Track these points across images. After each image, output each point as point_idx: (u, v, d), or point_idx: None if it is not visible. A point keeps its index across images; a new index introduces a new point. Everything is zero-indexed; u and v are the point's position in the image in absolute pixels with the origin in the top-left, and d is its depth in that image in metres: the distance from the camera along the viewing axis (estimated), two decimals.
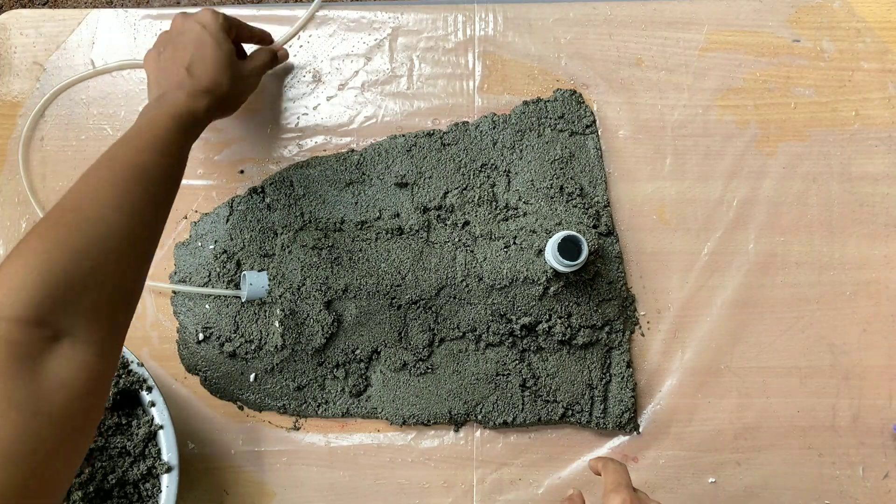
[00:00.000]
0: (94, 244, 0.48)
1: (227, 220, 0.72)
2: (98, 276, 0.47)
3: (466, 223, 0.70)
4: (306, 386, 0.70)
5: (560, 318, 0.67)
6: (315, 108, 0.75)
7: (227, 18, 0.66)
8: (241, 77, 0.66)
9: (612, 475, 0.55)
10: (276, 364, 0.69)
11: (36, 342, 0.42)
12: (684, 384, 0.70)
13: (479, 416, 0.69)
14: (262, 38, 0.72)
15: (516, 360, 0.68)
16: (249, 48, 0.72)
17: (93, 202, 0.50)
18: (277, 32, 0.76)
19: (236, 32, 0.68)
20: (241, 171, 0.74)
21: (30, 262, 0.45)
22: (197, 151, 0.75)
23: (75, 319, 0.44)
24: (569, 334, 0.67)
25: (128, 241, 0.50)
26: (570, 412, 0.68)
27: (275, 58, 0.72)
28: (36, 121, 0.75)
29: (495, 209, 0.71)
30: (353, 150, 0.74)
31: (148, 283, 0.72)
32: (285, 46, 0.74)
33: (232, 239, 0.71)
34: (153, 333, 0.72)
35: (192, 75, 0.62)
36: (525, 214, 0.70)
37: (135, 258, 0.52)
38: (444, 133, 0.73)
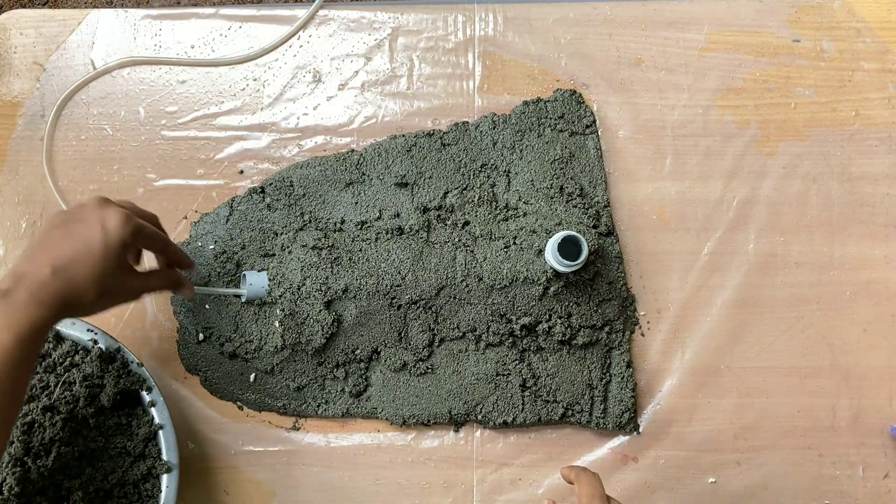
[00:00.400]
0: None
1: (227, 221, 0.72)
2: None
3: (466, 223, 0.70)
4: (306, 386, 0.70)
5: (560, 318, 0.67)
6: (315, 108, 0.75)
7: (138, 231, 0.57)
8: (115, 294, 0.57)
9: (586, 487, 0.55)
10: (276, 364, 0.69)
11: None
12: (684, 384, 0.70)
13: (479, 416, 0.69)
14: (179, 261, 0.64)
15: (516, 360, 0.68)
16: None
17: None
18: (278, 32, 0.76)
19: (146, 245, 0.60)
20: (241, 171, 0.74)
21: None
22: (197, 151, 0.75)
23: None
24: (569, 334, 0.67)
25: None
26: (570, 412, 0.68)
27: (174, 287, 0.63)
28: (55, 122, 0.75)
29: (495, 209, 0.71)
30: (353, 150, 0.74)
31: None
32: (189, 279, 0.66)
33: (232, 239, 0.71)
34: (153, 334, 0.72)
35: (56, 277, 0.52)
36: (525, 214, 0.70)
37: None
38: (444, 133, 0.73)
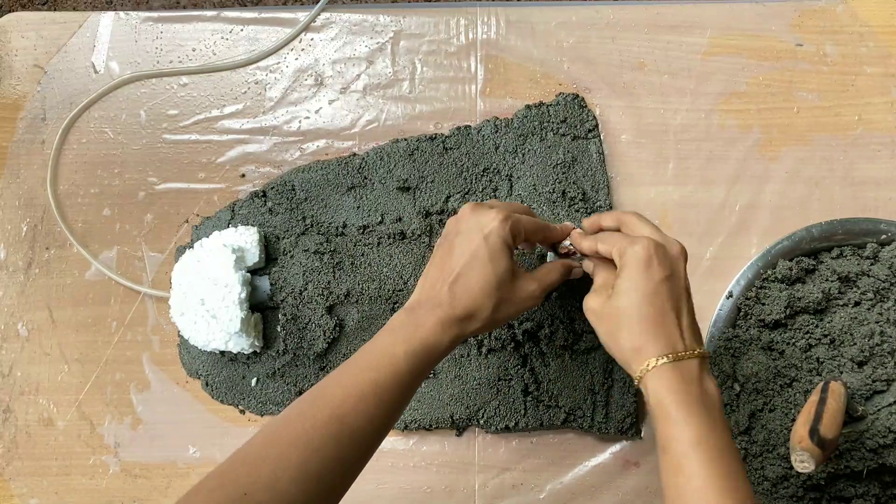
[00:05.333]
0: None
1: (229, 224, 0.72)
2: None
3: None
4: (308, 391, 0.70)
5: (562, 322, 0.67)
6: (317, 112, 0.75)
7: (515, 225, 0.55)
8: (510, 302, 0.54)
9: (618, 238, 0.53)
10: (278, 369, 0.69)
11: None
12: None
13: (481, 421, 0.68)
14: (557, 240, 0.60)
15: (518, 365, 0.68)
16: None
17: (272, 462, 0.45)
18: (278, 35, 0.76)
19: (529, 238, 0.57)
20: (243, 175, 0.74)
21: None
22: (198, 155, 0.75)
23: None
24: (571, 339, 0.67)
25: None
26: (571, 417, 0.68)
27: (567, 275, 0.59)
28: (68, 129, 0.75)
29: None
30: (355, 154, 0.74)
31: (148, 290, 0.72)
32: (567, 246, 0.60)
33: None
34: (154, 338, 0.72)
35: (452, 294, 0.52)
36: None
37: None
38: (446, 137, 0.72)
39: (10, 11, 0.80)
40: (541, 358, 0.68)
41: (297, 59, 0.76)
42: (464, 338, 0.54)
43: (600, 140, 0.73)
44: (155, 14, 0.77)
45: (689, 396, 0.48)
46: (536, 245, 0.63)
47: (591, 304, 0.54)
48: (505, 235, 0.54)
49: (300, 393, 0.70)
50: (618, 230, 0.56)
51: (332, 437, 0.46)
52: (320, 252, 0.69)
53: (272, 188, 0.73)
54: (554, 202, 0.70)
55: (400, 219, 0.71)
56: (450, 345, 0.53)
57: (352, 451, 0.48)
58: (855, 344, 0.64)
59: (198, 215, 0.74)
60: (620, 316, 0.51)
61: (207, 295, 0.65)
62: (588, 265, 0.59)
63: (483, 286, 0.53)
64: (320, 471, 0.45)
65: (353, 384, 0.49)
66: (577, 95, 0.73)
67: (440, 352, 0.52)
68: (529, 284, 0.56)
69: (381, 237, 0.70)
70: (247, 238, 0.68)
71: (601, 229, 0.58)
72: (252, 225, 0.71)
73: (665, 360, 0.49)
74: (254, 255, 0.68)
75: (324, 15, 0.76)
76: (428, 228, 0.70)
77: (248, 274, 0.68)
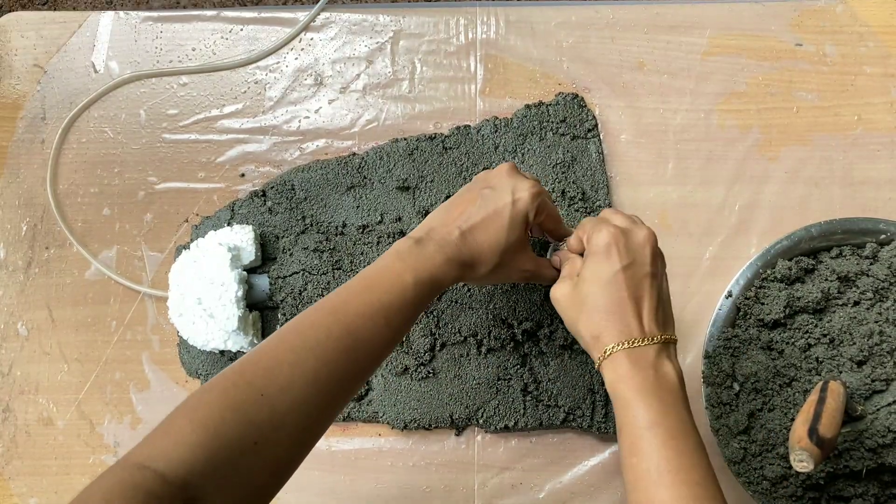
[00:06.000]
0: (270, 420, 0.44)
1: (229, 224, 0.72)
2: (260, 455, 0.44)
3: None
4: None
5: (561, 322, 0.67)
6: (317, 112, 0.75)
7: (543, 204, 0.56)
8: (507, 268, 0.56)
9: (589, 224, 0.55)
10: None
11: (169, 501, 0.39)
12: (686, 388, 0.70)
13: (481, 421, 0.68)
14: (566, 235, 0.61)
15: (518, 364, 0.68)
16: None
17: (288, 368, 0.46)
18: (278, 34, 0.76)
19: (545, 222, 0.58)
20: (242, 175, 0.74)
21: (199, 420, 0.42)
22: (198, 155, 0.75)
23: (218, 495, 0.42)
24: (570, 339, 0.67)
25: (308, 419, 0.46)
26: (571, 416, 0.68)
27: (554, 280, 0.59)
28: (68, 128, 0.75)
29: None
30: (354, 154, 0.74)
31: (148, 290, 0.72)
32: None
33: None
34: (154, 337, 0.72)
35: (463, 240, 0.54)
36: None
37: (307, 437, 0.48)
38: (445, 137, 0.72)
39: (10, 11, 0.80)
40: (540, 357, 0.68)
41: (296, 58, 0.76)
42: (461, 281, 0.56)
43: (600, 140, 0.73)
44: (155, 14, 0.77)
45: (645, 382, 0.50)
46: (535, 236, 0.64)
47: (556, 294, 0.56)
48: (531, 208, 0.55)
49: None
50: None
51: (344, 351, 0.48)
52: (320, 251, 0.69)
53: (272, 188, 0.73)
54: (553, 202, 0.70)
55: (399, 218, 0.71)
56: (451, 283, 0.54)
57: (360, 365, 0.49)
58: (854, 343, 0.64)
59: (197, 215, 0.74)
60: (581, 304, 0.53)
61: (205, 294, 0.65)
62: (555, 258, 0.60)
63: (493, 245, 0.54)
64: (330, 380, 0.47)
65: (364, 303, 0.50)
66: (577, 95, 0.73)
67: (442, 287, 0.54)
68: (528, 263, 0.57)
69: (380, 237, 0.70)
70: (242, 237, 0.68)
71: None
72: (252, 224, 0.71)
73: (620, 347, 0.51)
74: (250, 254, 0.68)
75: (323, 15, 0.76)
76: None
77: (245, 272, 0.68)
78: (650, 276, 0.53)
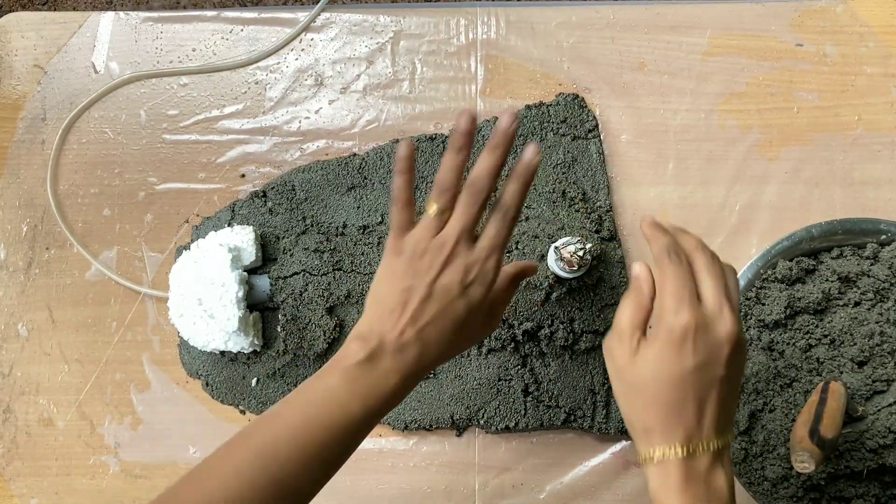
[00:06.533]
0: None
1: (229, 225, 0.72)
2: None
3: None
4: None
5: (562, 323, 0.67)
6: (317, 112, 0.75)
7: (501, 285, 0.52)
8: (471, 340, 0.52)
9: (671, 282, 0.47)
10: (278, 369, 0.69)
11: None
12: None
13: (481, 421, 0.68)
14: (527, 271, 0.57)
15: (518, 365, 0.68)
16: None
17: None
18: (278, 35, 0.76)
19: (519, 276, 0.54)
20: (243, 175, 0.74)
21: None
22: (198, 155, 0.75)
23: None
24: (571, 339, 0.67)
25: None
26: (572, 417, 0.68)
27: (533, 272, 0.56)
28: (68, 129, 0.75)
29: None
30: (355, 154, 0.74)
31: (148, 290, 0.72)
32: None
33: None
34: (154, 338, 0.72)
35: (422, 345, 0.47)
36: (527, 219, 0.69)
37: None
38: (445, 137, 0.72)
39: (10, 11, 0.80)
40: (541, 358, 0.68)
41: (297, 59, 0.76)
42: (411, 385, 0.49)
43: (600, 140, 0.73)
44: (155, 14, 0.77)
45: (696, 500, 0.45)
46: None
47: (614, 352, 0.49)
48: (491, 299, 0.50)
49: None
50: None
51: (270, 500, 0.43)
52: (320, 251, 0.69)
53: (272, 188, 0.73)
54: (554, 202, 0.70)
55: None
56: (402, 394, 0.48)
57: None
58: (855, 344, 0.64)
59: (198, 215, 0.74)
60: (636, 385, 0.47)
61: (205, 295, 0.65)
62: (638, 272, 0.51)
63: (443, 347, 0.49)
64: None
65: (298, 448, 0.44)
66: (577, 95, 0.73)
67: (395, 404, 0.48)
68: (493, 323, 0.53)
69: (381, 237, 0.70)
70: (243, 237, 0.68)
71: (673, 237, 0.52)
72: (252, 225, 0.71)
73: (673, 452, 0.45)
74: (250, 255, 0.68)
75: (324, 15, 0.76)
76: None
77: (245, 273, 0.68)
78: (721, 381, 0.46)
